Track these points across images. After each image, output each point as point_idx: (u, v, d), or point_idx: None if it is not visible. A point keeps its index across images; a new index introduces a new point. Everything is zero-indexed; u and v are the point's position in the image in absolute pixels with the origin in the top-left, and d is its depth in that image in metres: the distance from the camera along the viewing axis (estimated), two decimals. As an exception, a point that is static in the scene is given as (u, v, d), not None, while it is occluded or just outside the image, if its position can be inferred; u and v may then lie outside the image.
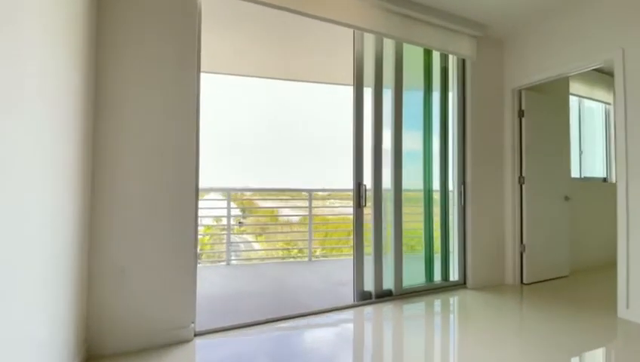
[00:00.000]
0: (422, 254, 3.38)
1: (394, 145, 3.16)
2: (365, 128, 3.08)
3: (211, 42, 3.97)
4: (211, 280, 3.76)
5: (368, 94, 3.11)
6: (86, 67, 1.98)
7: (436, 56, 3.49)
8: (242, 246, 7.28)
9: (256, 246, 8.36)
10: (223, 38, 3.95)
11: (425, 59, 3.44)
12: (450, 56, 3.54)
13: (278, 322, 2.59)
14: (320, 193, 5.52)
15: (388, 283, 3.13)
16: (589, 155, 4.96)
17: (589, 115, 4.98)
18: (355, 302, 2.95)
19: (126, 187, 2.16)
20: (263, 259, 5.42)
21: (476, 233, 3.48)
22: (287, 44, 4.02)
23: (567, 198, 3.98)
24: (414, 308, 2.95)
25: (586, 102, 4.91)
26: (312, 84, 4.92)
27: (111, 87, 2.15)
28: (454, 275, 3.47)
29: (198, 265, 4.65)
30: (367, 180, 3.06)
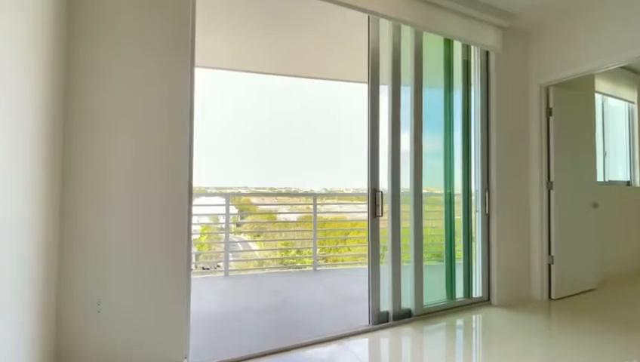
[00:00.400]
0: (442, 266, 3.05)
1: (413, 146, 2.83)
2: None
3: (215, 38, 3.65)
4: (208, 298, 3.41)
5: (384, 91, 2.77)
6: (51, 54, 1.63)
7: (457, 49, 3.16)
8: (242, 255, 6.93)
9: (257, 252, 8.02)
10: (224, 32, 3.62)
11: (445, 52, 3.11)
12: (473, 49, 3.21)
13: (285, 353, 2.24)
14: (324, 195, 5.18)
15: (407, 302, 2.79)
16: (612, 157, 4.65)
17: (612, 114, 4.67)
18: (371, 326, 2.61)
19: (103, 198, 1.81)
20: (264, 268, 5.08)
21: (501, 244, 3.15)
22: (294, 38, 3.69)
23: (595, 205, 3.66)
24: (437, 332, 2.62)
25: (610, 101, 4.59)
26: (320, 81, 4.59)
27: (84, 78, 1.80)
28: (477, 291, 3.14)
29: (194, 277, 4.32)
30: (383, 185, 2.73)
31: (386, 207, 2.73)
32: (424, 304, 2.84)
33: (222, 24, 3.49)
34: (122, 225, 1.85)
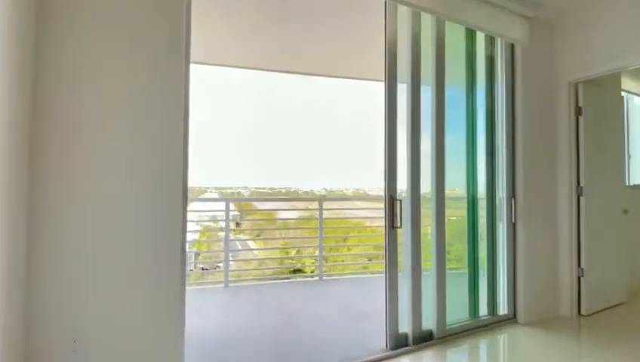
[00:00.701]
0: (462, 278, 2.77)
1: (435, 149, 2.56)
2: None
3: (215, 32, 3.39)
4: (207, 313, 3.13)
5: (401, 88, 2.50)
6: (16, 43, 1.35)
7: (480, 43, 2.88)
8: (244, 263, 6.65)
9: (260, 260, 7.74)
10: (224, 26, 3.36)
11: (468, 47, 2.83)
12: (498, 43, 2.93)
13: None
14: (334, 199, 4.91)
15: (427, 321, 2.52)
16: (636, 160, 4.37)
17: (636, 114, 4.39)
18: (389, 352, 2.33)
19: (79, 213, 1.53)
20: (266, 279, 4.80)
21: (529, 255, 2.88)
22: (300, 31, 3.43)
23: (625, 211, 3.39)
24: (461, 358, 2.35)
25: (636, 100, 4.32)
26: (326, 79, 4.32)
27: (58, 71, 1.53)
28: (503, 307, 2.86)
29: (191, 288, 4.05)
30: (401, 189, 2.46)
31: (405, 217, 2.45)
32: (447, 324, 2.56)
33: (223, 18, 3.23)
34: (101, 247, 1.57)
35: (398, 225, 2.38)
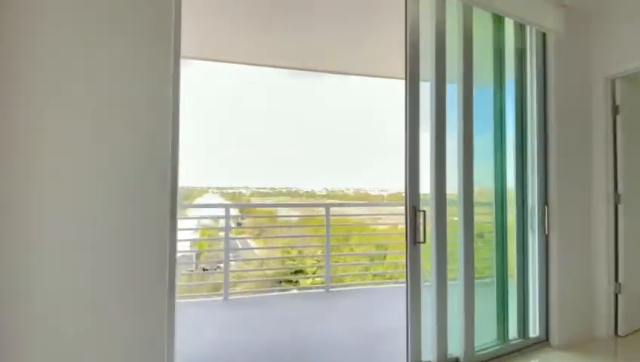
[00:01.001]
0: (490, 291, 2.48)
1: (462, 151, 2.27)
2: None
3: (213, 27, 3.21)
4: (203, 334, 2.84)
5: (426, 86, 2.21)
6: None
7: (509, 34, 2.59)
8: (246, 274, 6.37)
9: (259, 261, 7.46)
10: (224, 21, 3.14)
11: (495, 39, 2.54)
12: (528, 34, 2.63)
13: None
14: (342, 205, 4.63)
15: (453, 346, 2.23)
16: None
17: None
18: (413, 385, 2.05)
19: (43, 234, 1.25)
20: (268, 289, 4.51)
21: (562, 270, 2.58)
22: (307, 24, 3.16)
23: (663, 220, 3.10)
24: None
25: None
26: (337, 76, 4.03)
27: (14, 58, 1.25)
28: (534, 329, 2.57)
29: (188, 301, 3.76)
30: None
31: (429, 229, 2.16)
32: (475, 349, 2.27)
33: (223, 15, 3.04)
34: (69, 281, 1.29)
35: (422, 239, 2.09)
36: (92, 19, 1.39)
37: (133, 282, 1.42)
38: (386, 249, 5.13)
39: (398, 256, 4.67)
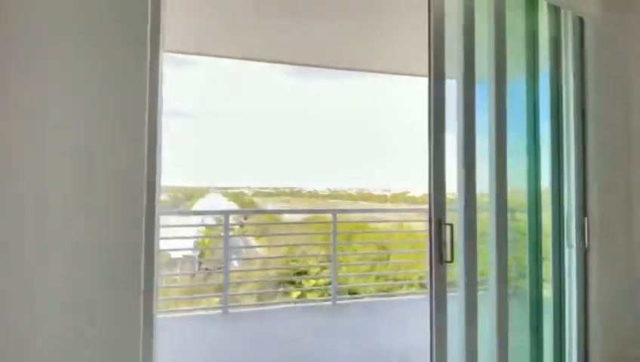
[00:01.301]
0: (524, 320, 2.19)
1: (495, 152, 1.98)
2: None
3: (211, 21, 3.11)
4: (201, 354, 2.56)
5: (452, 84, 1.92)
6: None
7: (543, 22, 2.29)
8: (248, 285, 6.10)
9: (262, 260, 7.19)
10: (224, 16, 3.05)
11: (528, 27, 2.24)
12: (563, 22, 2.33)
13: None
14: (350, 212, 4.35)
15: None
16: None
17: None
18: None
19: None
20: (271, 303, 4.23)
21: (602, 291, 2.28)
22: (315, 18, 2.96)
23: None
24: None
25: None
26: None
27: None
28: (570, 357, 2.27)
29: (184, 314, 3.50)
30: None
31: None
32: (507, 384, 1.98)
33: (222, 12, 2.97)
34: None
35: (449, 259, 1.79)
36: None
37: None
38: (393, 258, 4.84)
39: (414, 265, 4.40)
